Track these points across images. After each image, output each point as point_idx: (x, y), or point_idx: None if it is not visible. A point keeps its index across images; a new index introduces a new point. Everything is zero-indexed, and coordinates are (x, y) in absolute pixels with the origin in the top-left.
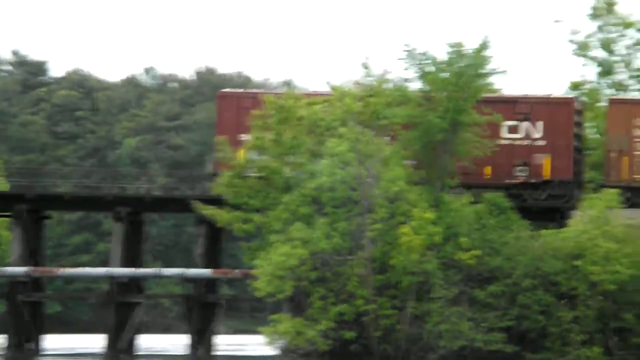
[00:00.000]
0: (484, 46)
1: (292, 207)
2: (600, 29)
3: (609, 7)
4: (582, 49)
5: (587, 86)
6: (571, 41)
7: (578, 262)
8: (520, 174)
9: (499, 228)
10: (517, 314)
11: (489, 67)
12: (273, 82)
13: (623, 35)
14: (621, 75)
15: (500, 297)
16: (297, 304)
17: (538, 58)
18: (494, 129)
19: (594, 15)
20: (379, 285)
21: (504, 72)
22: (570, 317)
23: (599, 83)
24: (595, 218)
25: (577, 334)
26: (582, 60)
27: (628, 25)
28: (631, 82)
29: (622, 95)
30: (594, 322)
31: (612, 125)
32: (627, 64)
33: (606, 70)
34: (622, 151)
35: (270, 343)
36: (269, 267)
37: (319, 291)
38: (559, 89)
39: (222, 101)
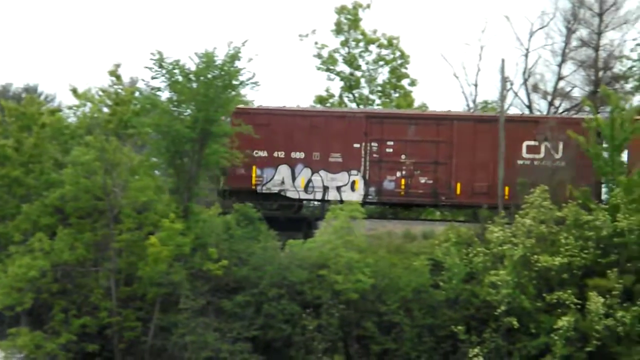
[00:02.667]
0: (234, 57)
1: (33, 217)
2: (344, 44)
3: (353, 23)
4: (327, 63)
5: (332, 100)
6: (316, 55)
7: (323, 272)
8: None
9: (247, 238)
10: (262, 324)
11: (240, 78)
12: (14, 87)
13: (367, 51)
14: (365, 90)
15: (247, 307)
16: (37, 317)
17: (287, 71)
18: (514, 148)
19: (338, 31)
20: (124, 297)
21: (256, 83)
22: (314, 325)
23: (342, 97)
24: (338, 228)
25: (320, 342)
26: (327, 74)
27: (371, 41)
28: (374, 97)
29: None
30: (337, 330)
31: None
32: (371, 80)
33: (350, 84)
34: None
35: (7, 357)
36: (7, 279)
37: (60, 303)
38: (305, 102)
39: (236, 117)
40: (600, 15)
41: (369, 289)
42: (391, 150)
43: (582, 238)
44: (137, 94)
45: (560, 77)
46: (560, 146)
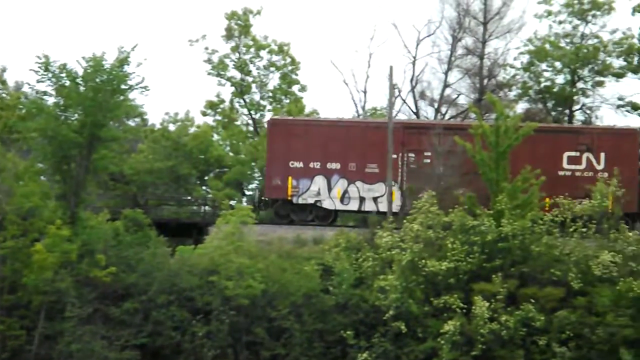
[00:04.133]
0: (123, 61)
1: None
2: (234, 49)
3: (244, 29)
4: (218, 68)
5: (223, 105)
6: (207, 61)
7: (213, 278)
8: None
9: (136, 245)
10: (151, 331)
11: (129, 83)
12: None
13: (257, 57)
14: (256, 96)
15: (135, 314)
16: None
17: (177, 76)
18: (554, 159)
19: (229, 36)
20: (8, 306)
21: (145, 88)
22: (204, 332)
23: (233, 103)
24: (229, 234)
25: (209, 349)
26: (218, 79)
27: (262, 47)
28: (264, 102)
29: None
30: (227, 337)
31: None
32: (262, 85)
33: (241, 90)
34: None
35: None
36: None
37: None
38: (195, 108)
39: (272, 128)
40: (485, 24)
41: (260, 295)
42: (428, 160)
43: (468, 243)
44: (22, 98)
45: (446, 85)
46: (603, 156)
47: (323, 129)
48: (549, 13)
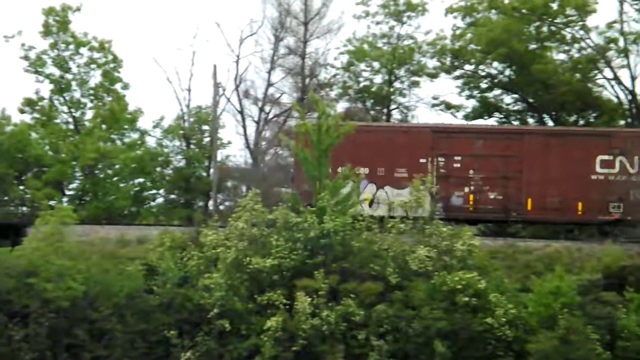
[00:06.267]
0: None
1: None
2: (52, 46)
3: (62, 25)
4: (35, 65)
5: (42, 103)
6: (23, 57)
7: (31, 280)
8: (615, 211)
9: None
10: None
11: None
12: None
13: (77, 54)
14: (77, 93)
15: None
16: None
17: None
18: (587, 163)
19: (46, 33)
20: None
21: None
22: (21, 335)
23: (53, 100)
24: (49, 235)
25: (27, 353)
26: (35, 76)
27: (82, 43)
28: (85, 100)
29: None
30: (45, 340)
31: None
32: (82, 83)
33: (61, 87)
34: None
35: None
36: None
37: None
38: (12, 106)
39: (300, 134)
40: (306, 24)
41: (81, 296)
42: (459, 165)
43: (292, 240)
44: None
45: (270, 84)
46: (637, 160)
47: (351, 134)
48: (367, 14)
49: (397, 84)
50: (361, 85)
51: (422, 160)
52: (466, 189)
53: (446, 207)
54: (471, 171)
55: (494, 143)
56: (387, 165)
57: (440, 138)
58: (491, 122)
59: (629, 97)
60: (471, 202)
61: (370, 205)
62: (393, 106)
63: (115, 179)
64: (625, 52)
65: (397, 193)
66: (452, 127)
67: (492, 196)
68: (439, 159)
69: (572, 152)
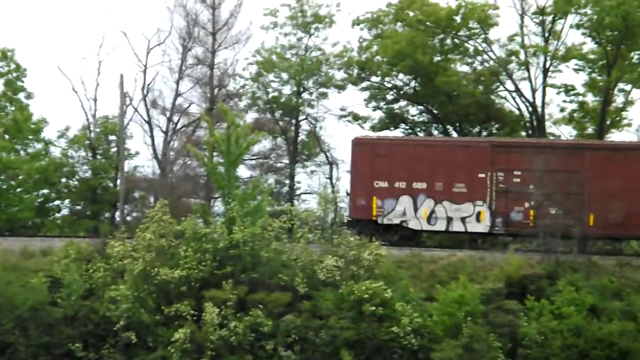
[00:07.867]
0: None
1: None
2: None
3: None
4: None
5: None
6: None
7: None
8: None
9: None
10: None
11: None
12: None
13: None
14: None
15: None
16: None
17: None
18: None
19: None
20: None
21: None
22: None
23: None
24: None
25: None
26: None
27: None
28: None
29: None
30: None
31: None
32: None
33: None
34: None
35: None
36: None
37: None
38: None
39: (356, 147)
40: (214, 34)
41: None
42: (519, 180)
43: (201, 251)
44: None
45: (178, 94)
46: None
47: (409, 149)
48: (275, 25)
49: (305, 95)
50: (270, 96)
51: (481, 175)
52: (526, 204)
53: (506, 222)
54: (531, 186)
55: (555, 158)
56: (445, 180)
57: (499, 153)
58: (397, 133)
59: (530, 108)
60: (532, 218)
61: (429, 220)
62: (302, 117)
63: (18, 190)
64: (526, 65)
65: (456, 208)
66: (511, 141)
67: (553, 212)
68: (498, 173)
69: (633, 167)
